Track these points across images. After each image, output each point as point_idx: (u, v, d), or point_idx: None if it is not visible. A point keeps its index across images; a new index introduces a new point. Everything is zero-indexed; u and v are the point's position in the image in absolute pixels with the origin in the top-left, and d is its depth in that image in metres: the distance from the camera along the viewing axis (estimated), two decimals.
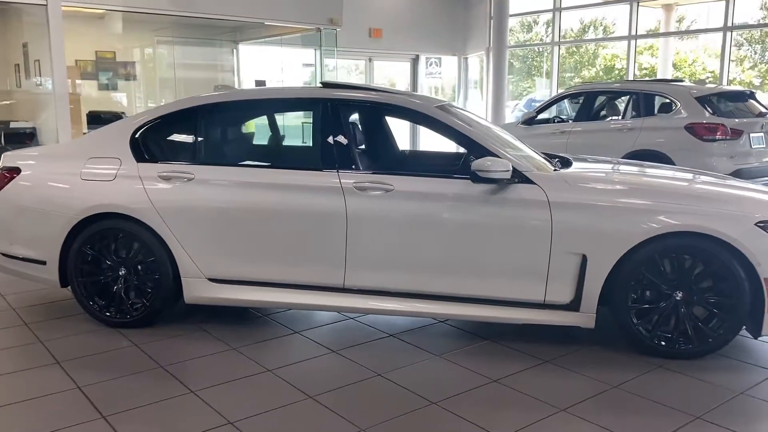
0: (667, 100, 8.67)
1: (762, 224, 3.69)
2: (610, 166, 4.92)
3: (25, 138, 8.64)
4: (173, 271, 4.29)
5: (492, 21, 14.17)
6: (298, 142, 4.78)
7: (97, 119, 9.23)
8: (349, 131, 4.26)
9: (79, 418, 3.18)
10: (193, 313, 4.63)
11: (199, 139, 4.41)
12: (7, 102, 9.75)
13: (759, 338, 3.91)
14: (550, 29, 16.92)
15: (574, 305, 3.90)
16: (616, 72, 16.31)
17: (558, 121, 10.15)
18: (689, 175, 4.70)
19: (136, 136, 4.45)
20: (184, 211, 4.22)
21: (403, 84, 16.29)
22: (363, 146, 4.64)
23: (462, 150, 4.46)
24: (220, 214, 4.19)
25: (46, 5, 7.74)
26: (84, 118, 9.68)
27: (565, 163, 4.58)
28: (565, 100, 11.22)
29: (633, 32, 13.49)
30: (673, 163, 8.11)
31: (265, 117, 4.65)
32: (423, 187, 4.03)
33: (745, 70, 15.84)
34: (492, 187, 3.89)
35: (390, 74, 16.65)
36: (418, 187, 4.04)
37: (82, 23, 11.06)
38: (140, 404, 3.32)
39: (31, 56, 9.01)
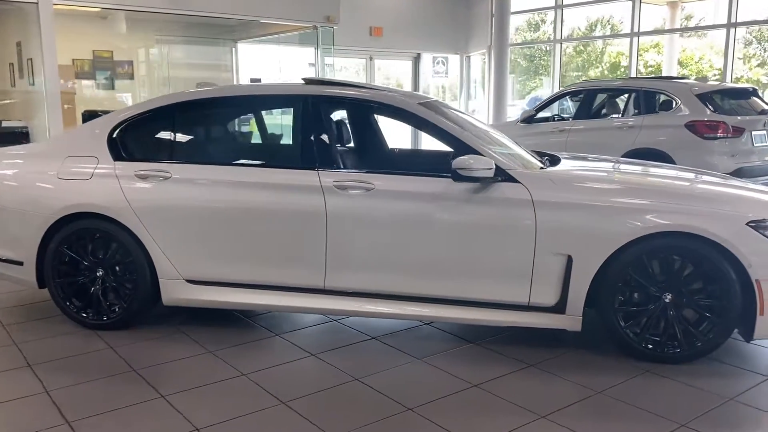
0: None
1: (753, 224, 3.56)
2: (601, 164, 4.79)
3: (20, 138, 8.57)
4: (151, 272, 4.19)
5: (493, 19, 14.02)
6: (278, 140, 4.66)
7: (93, 118, 9.12)
8: (330, 129, 4.15)
9: (42, 424, 3.09)
10: (173, 315, 4.53)
11: (177, 137, 4.32)
12: (1, 101, 9.70)
13: (751, 342, 3.77)
14: (555, 27, 16.78)
15: (559, 307, 3.78)
16: (622, 70, 16.14)
17: (558, 120, 10.00)
18: (681, 174, 4.58)
19: (114, 133, 4.36)
20: (160, 210, 4.13)
21: (405, 83, 16.17)
22: (345, 144, 4.53)
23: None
24: (197, 213, 4.09)
25: (37, 3, 7.67)
26: (79, 117, 9.62)
27: (555, 161, 4.46)
28: (568, 99, 11.07)
29: (635, 29, 13.32)
30: (673, 162, 7.97)
31: (244, 114, 4.55)
32: (404, 186, 3.92)
33: (752, 68, 15.66)
34: (474, 186, 3.78)
35: (392, 73, 16.54)
36: (400, 186, 3.93)
37: (79, 22, 11.01)
38: (107, 409, 3.22)
39: (25, 55, 8.96)
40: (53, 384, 3.52)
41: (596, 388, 3.43)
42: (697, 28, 15.14)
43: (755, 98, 8.64)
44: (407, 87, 16.08)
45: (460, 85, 16.44)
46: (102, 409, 3.22)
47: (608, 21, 16.57)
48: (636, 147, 8.42)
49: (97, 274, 4.27)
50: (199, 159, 4.24)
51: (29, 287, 4.51)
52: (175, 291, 4.20)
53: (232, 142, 4.52)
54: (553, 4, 14.57)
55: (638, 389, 3.43)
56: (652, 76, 12.08)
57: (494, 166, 3.72)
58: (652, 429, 3.03)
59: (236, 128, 4.56)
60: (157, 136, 4.37)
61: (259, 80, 10.07)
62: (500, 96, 13.84)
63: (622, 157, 8.35)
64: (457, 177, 3.71)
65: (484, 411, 3.22)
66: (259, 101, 4.42)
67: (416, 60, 15.71)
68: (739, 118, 8.16)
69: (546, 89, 16.69)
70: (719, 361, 3.74)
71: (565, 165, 4.31)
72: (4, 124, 8.49)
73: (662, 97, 8.61)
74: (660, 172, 4.55)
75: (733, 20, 11.87)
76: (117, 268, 4.27)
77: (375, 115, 4.88)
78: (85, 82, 11.15)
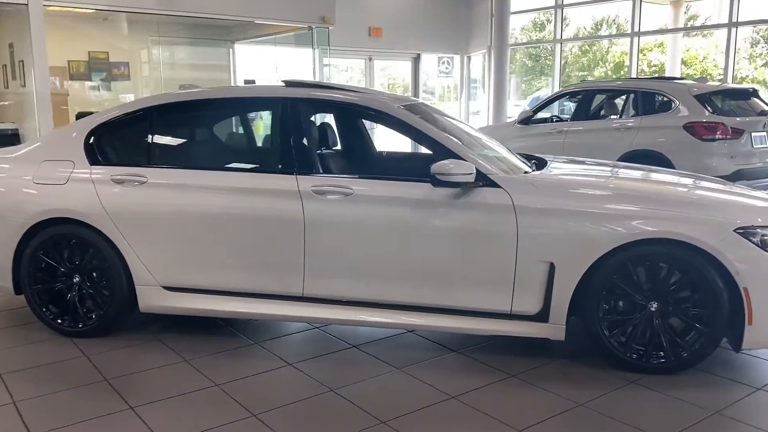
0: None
1: (741, 230, 3.44)
2: (591, 168, 4.68)
3: (12, 140, 8.51)
4: (127, 278, 4.11)
5: (493, 19, 13.90)
6: (256, 144, 4.56)
7: None
8: (310, 132, 4.06)
9: None
10: (152, 322, 4.45)
11: (154, 140, 4.23)
12: None
13: (740, 352, 3.66)
14: (561, 27, 16.66)
15: (542, 316, 3.67)
16: (626, 70, 16.01)
17: (556, 120, 9.88)
18: (673, 179, 4.47)
19: (91, 137, 4.28)
20: (136, 215, 4.04)
21: (405, 83, 16.06)
22: (325, 148, 4.43)
23: None
24: (173, 219, 4.01)
25: (26, 4, 7.61)
26: (73, 119, 9.56)
27: (541, 164, 4.35)
28: (568, 99, 10.94)
29: (636, 29, 13.18)
30: (671, 164, 7.85)
31: (222, 117, 4.46)
32: (383, 191, 3.82)
33: (758, 68, 15.49)
34: (455, 191, 3.68)
35: (396, 74, 16.43)
36: (379, 191, 3.83)
37: (74, 23, 10.96)
38: (72, 421, 3.14)
39: (17, 57, 8.90)
40: (22, 394, 3.44)
41: (578, 400, 3.32)
42: (696, 28, 14.99)
43: (755, 99, 8.50)
44: (409, 87, 15.98)
45: (461, 85, 16.32)
46: (67, 421, 3.14)
47: (614, 21, 16.44)
48: (633, 149, 8.30)
49: (74, 280, 4.19)
50: (176, 163, 4.15)
51: (5, 293, 4.43)
52: (151, 298, 4.12)
53: (209, 145, 4.42)
54: (553, 4, 14.43)
55: (621, 401, 3.32)
56: (651, 76, 11.93)
57: (475, 171, 3.62)
58: None
59: (214, 132, 4.45)
60: (134, 139, 4.28)
61: (253, 81, 9.97)
62: (500, 96, 13.73)
63: (620, 158, 8.27)
64: (436, 182, 3.61)
65: (459, 424, 3.12)
66: (237, 104, 4.33)
67: (416, 60, 15.60)
68: (738, 119, 8.03)
69: (550, 89, 16.58)
70: (707, 372, 3.63)
71: (550, 169, 4.21)
72: None
73: (660, 98, 8.48)
74: (651, 177, 4.43)
75: (734, 20, 11.70)
76: (94, 274, 4.19)
77: (358, 118, 4.78)
78: (80, 83, 11.08)
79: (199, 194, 3.99)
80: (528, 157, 4.62)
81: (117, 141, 4.31)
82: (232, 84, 12.41)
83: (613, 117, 9.04)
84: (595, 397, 3.36)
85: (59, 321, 4.22)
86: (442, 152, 3.78)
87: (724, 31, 12.03)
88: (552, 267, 3.59)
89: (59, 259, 4.19)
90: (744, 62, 15.16)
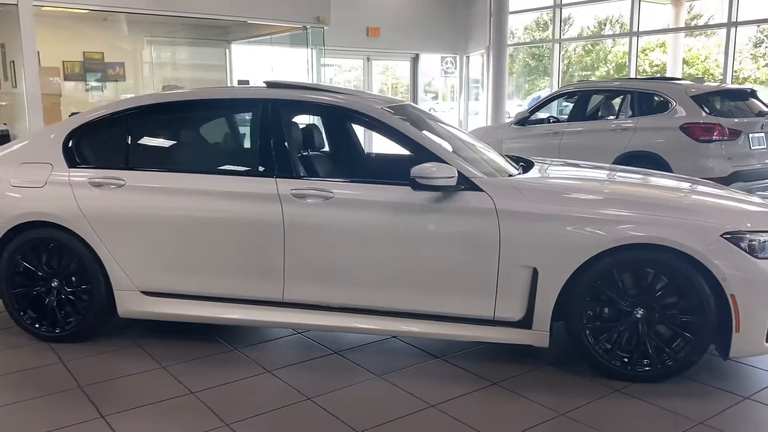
0: (663, 99, 8.28)
1: (729, 235, 3.36)
2: (580, 171, 4.59)
3: (3, 141, 8.45)
4: (106, 283, 4.04)
5: (491, 19, 13.81)
6: (236, 146, 4.48)
7: None
8: (290, 134, 3.98)
9: None
10: (132, 327, 4.38)
11: (132, 142, 4.16)
12: None
13: (729, 360, 3.57)
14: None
15: (525, 322, 3.59)
16: (627, 70, 15.92)
17: (553, 121, 9.79)
18: (663, 182, 4.38)
19: (70, 139, 4.21)
20: (114, 219, 3.98)
21: (407, 84, 15.97)
22: (306, 150, 4.34)
23: None
24: (151, 222, 3.94)
25: (16, 4, 7.55)
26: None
27: (528, 167, 4.27)
28: (565, 100, 10.85)
29: (635, 29, 13.08)
30: (668, 165, 7.76)
31: (202, 119, 4.37)
32: (364, 194, 3.75)
33: (760, 68, 15.39)
34: (436, 195, 3.60)
35: (394, 74, 16.35)
36: (359, 194, 3.76)
37: (69, 23, 10.90)
38: (40, 431, 3.06)
39: (8, 57, 8.85)
40: None
41: (559, 410, 3.24)
42: (695, 28, 14.87)
43: (754, 99, 8.40)
44: (407, 87, 15.90)
45: (460, 86, 16.23)
46: (33, 431, 3.06)
47: (617, 20, 16.35)
48: (629, 150, 8.21)
49: (52, 284, 4.12)
50: (155, 166, 4.09)
51: None
52: (130, 303, 4.05)
53: (188, 148, 4.35)
54: (551, 4, 14.33)
55: (604, 411, 3.24)
56: (648, 77, 11.82)
57: (456, 174, 3.54)
58: None
59: (193, 134, 4.37)
60: (113, 142, 4.21)
61: (246, 82, 9.91)
62: (498, 97, 13.65)
63: (616, 159, 8.18)
64: (416, 186, 3.53)
65: None
66: (217, 106, 4.25)
67: (414, 60, 15.52)
68: (736, 120, 7.93)
69: (550, 90, 16.48)
70: (694, 380, 3.54)
71: (536, 172, 4.13)
72: None
73: (657, 99, 8.38)
74: (639, 180, 4.34)
75: (733, 19, 11.59)
76: (73, 278, 4.13)
77: (340, 120, 4.70)
78: (74, 83, 11.02)
79: (177, 197, 3.92)
80: (517, 160, 4.55)
81: (96, 143, 4.24)
82: (228, 84, 12.35)
83: (609, 118, 8.94)
84: (578, 406, 3.28)
85: (37, 326, 4.16)
86: (424, 155, 3.71)
87: (724, 30, 11.89)
88: (535, 272, 3.51)
89: (37, 263, 4.13)
90: (747, 62, 15.06)
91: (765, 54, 15.21)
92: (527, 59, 18.38)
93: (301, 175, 3.90)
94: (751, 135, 7.86)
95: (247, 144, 4.18)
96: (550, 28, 15.70)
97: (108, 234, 3.98)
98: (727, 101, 8.44)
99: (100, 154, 4.22)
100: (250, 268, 3.87)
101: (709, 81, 11.96)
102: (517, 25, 16.91)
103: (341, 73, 15.49)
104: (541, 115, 9.99)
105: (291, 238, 3.76)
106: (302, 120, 4.58)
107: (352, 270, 3.75)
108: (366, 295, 3.76)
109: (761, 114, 8.15)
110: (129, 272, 4.00)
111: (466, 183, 3.60)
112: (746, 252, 3.34)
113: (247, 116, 4.07)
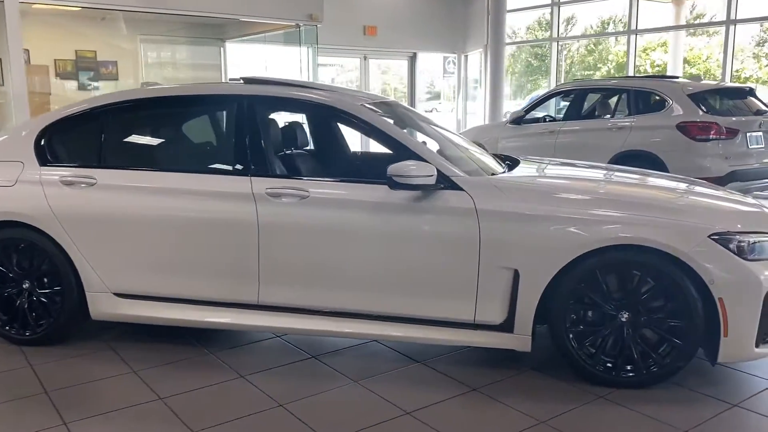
0: (659, 98, 8.15)
1: (717, 236, 3.23)
2: (563, 169, 4.46)
3: None
4: (78, 284, 3.93)
5: (489, 17, 13.67)
6: (211, 144, 4.37)
7: None
8: (266, 131, 3.86)
9: None
10: (109, 329, 4.26)
11: (105, 140, 4.04)
12: None
13: (717, 365, 3.44)
14: (569, 26, 16.43)
15: (507, 326, 3.47)
16: (626, 68, 15.78)
17: (549, 120, 9.65)
18: (649, 181, 4.25)
19: (42, 137, 4.09)
20: (85, 219, 3.87)
21: (401, 83, 15.84)
22: (285, 148, 4.22)
23: None
24: (123, 222, 3.82)
25: (2, 2, 7.45)
26: None
27: (514, 166, 4.15)
28: (562, 99, 10.71)
29: (633, 27, 12.94)
30: (664, 164, 7.63)
31: (176, 116, 4.25)
32: (340, 193, 3.64)
33: (762, 67, 15.24)
34: (415, 194, 3.47)
35: (394, 74, 16.21)
36: (336, 193, 3.64)
37: (62, 21, 10.80)
38: None
39: None
40: None
41: (540, 417, 3.12)
42: (693, 26, 14.72)
43: (752, 98, 8.26)
44: (399, 86, 15.76)
45: (458, 85, 16.09)
46: None
47: (620, 20, 16.23)
48: (625, 149, 8.08)
49: (23, 286, 4.01)
50: (128, 164, 3.97)
51: None
52: (102, 305, 3.94)
53: (162, 145, 4.23)
54: (549, 2, 14.19)
55: (586, 418, 3.12)
56: (644, 75, 11.67)
57: (436, 173, 3.42)
58: None
59: (167, 131, 4.25)
60: (85, 139, 4.10)
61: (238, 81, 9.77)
62: (496, 96, 13.52)
63: (612, 158, 8.05)
64: (394, 185, 3.41)
65: None
66: (192, 102, 4.13)
67: (412, 59, 15.38)
68: (733, 119, 7.79)
69: (549, 89, 16.34)
70: (681, 386, 3.41)
71: (520, 170, 4.01)
72: None
73: (653, 97, 8.24)
74: (626, 179, 4.20)
75: (732, 17, 11.44)
76: (45, 280, 4.02)
77: (318, 117, 4.57)
78: (66, 82, 10.91)
79: (149, 197, 3.80)
80: (504, 159, 4.43)
81: (68, 141, 4.12)
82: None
83: (605, 117, 8.80)
84: (559, 413, 3.15)
85: (7, 328, 4.05)
86: (404, 153, 3.59)
87: (730, 29, 11.72)
88: (516, 274, 3.39)
89: (8, 264, 4.02)
90: (748, 61, 14.91)
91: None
92: (530, 59, 18.26)
93: (278, 173, 3.78)
94: (748, 134, 7.73)
95: (222, 141, 4.07)
96: (562, 27, 15.58)
97: (79, 234, 3.87)
98: (725, 100, 8.31)
99: (73, 151, 4.11)
100: (224, 269, 3.75)
101: (709, 80, 11.81)
102: (519, 25, 16.81)
103: (344, 73, 15.36)
104: (538, 114, 9.86)
105: (265, 238, 3.64)
106: (285, 117, 4.45)
107: (329, 272, 3.63)
108: (343, 298, 3.64)
109: (759, 113, 8.02)
110: (101, 273, 3.89)
111: (446, 182, 3.48)
112: (735, 254, 3.21)
113: (223, 113, 3.94)
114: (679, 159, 7.58)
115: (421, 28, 14.86)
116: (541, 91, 16.10)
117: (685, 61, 15.43)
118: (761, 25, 13.52)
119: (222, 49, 12.63)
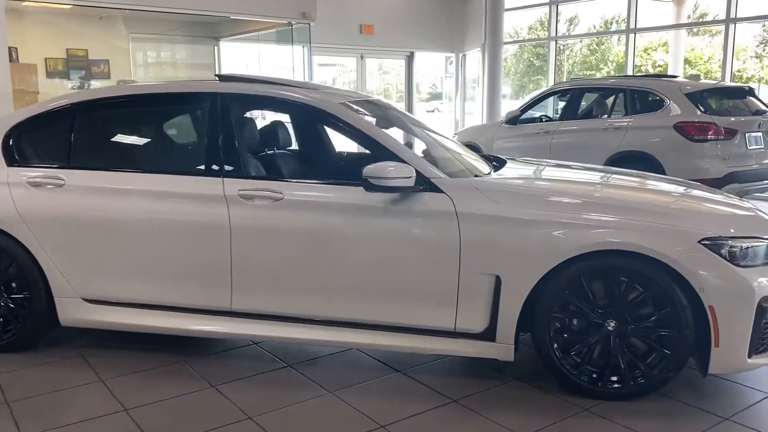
0: (657, 98, 7.98)
1: (708, 241, 3.07)
2: (550, 171, 4.30)
3: None
4: (47, 289, 3.79)
5: (486, 16, 13.52)
6: (184, 143, 4.22)
7: None
8: (240, 131, 3.71)
9: None
10: (84, 335, 4.11)
11: (74, 140, 3.88)
12: None
13: (709, 375, 3.28)
14: (571, 26, 16.27)
15: (489, 334, 3.32)
16: (625, 67, 15.61)
17: (545, 120, 9.49)
18: (639, 183, 4.09)
19: (10, 137, 3.95)
20: (52, 221, 3.73)
21: (399, 82, 15.69)
22: (260, 149, 4.07)
23: None
24: (91, 225, 3.68)
25: None
26: None
27: (500, 167, 4.00)
28: (558, 98, 10.54)
29: (632, 26, 12.78)
30: (661, 165, 7.47)
31: (147, 115, 4.10)
32: (315, 195, 3.49)
33: (765, 67, 15.06)
34: (392, 197, 3.32)
35: (394, 73, 16.07)
36: (310, 195, 3.49)
37: (53, 19, 10.68)
38: None
39: None
40: None
41: (519, 431, 2.97)
42: (693, 24, 14.52)
43: (751, 98, 8.09)
44: (401, 86, 15.61)
45: (456, 85, 15.94)
46: None
47: (624, 19, 16.06)
48: (622, 149, 7.91)
49: None
50: (97, 165, 3.82)
51: None
52: (71, 311, 3.80)
53: (132, 146, 4.07)
54: (547, 1, 14.02)
55: None
56: (642, 74, 11.49)
57: (414, 174, 3.27)
58: None
59: (139, 131, 4.10)
60: (54, 139, 3.95)
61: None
62: (494, 95, 13.37)
63: (608, 159, 7.90)
64: (369, 186, 3.26)
65: None
66: (164, 100, 3.98)
67: (409, 59, 15.23)
68: (732, 119, 7.62)
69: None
70: (670, 398, 3.26)
71: (504, 172, 3.85)
72: None
73: (650, 97, 8.07)
74: (615, 181, 4.03)
75: (732, 16, 11.27)
76: (13, 284, 3.87)
77: (294, 115, 4.41)
78: (57, 81, 10.77)
79: (119, 199, 3.66)
80: (491, 159, 4.28)
81: (36, 141, 3.98)
82: None
83: (602, 117, 8.64)
84: (540, 427, 3.00)
85: None
86: (382, 153, 3.44)
87: (731, 29, 11.55)
88: (498, 281, 3.24)
89: None
90: (751, 61, 14.74)
91: None
92: (532, 59, 18.11)
93: (252, 175, 3.63)
94: (747, 134, 7.55)
95: (195, 141, 3.92)
96: (565, 26, 15.44)
97: (47, 237, 3.73)
98: (724, 99, 8.14)
99: (41, 151, 3.97)
100: (197, 274, 3.61)
101: (708, 80, 11.63)
102: (522, 25, 16.66)
103: (346, 72, 15.22)
104: (535, 113, 9.70)
105: (238, 243, 3.50)
106: (270, 117, 4.30)
107: (303, 278, 3.49)
108: (318, 304, 3.50)
109: (759, 113, 7.84)
110: (69, 278, 3.75)
111: (425, 184, 3.33)
112: (726, 260, 3.06)
113: (197, 111, 3.79)
114: (676, 160, 7.42)
115: (418, 26, 14.71)
116: (539, 91, 15.97)
117: (687, 61, 15.25)
118: (764, 25, 13.34)
119: (216, 47, 12.50)
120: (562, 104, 9.91)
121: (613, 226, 3.13)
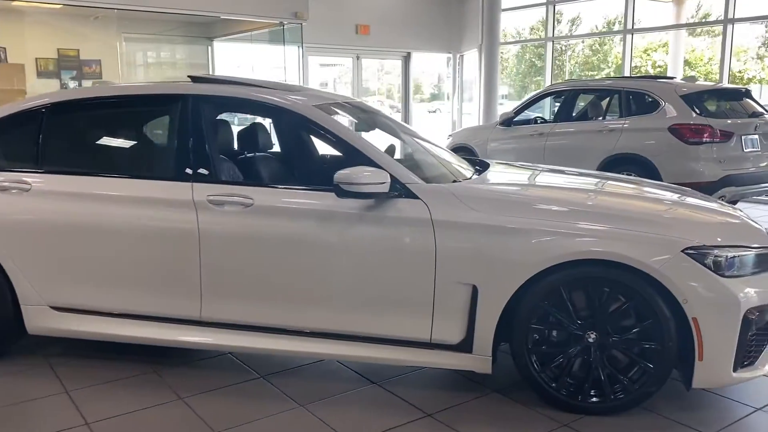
0: (652, 99, 7.84)
1: (692, 250, 2.95)
2: (533, 176, 4.17)
3: None
4: (13, 297, 3.67)
5: (483, 16, 13.39)
6: (153, 147, 4.10)
7: None
8: (211, 134, 3.60)
9: None
10: (55, 343, 3.98)
11: (43, 143, 3.77)
12: None
13: (693, 389, 3.16)
14: (573, 26, 16.14)
15: (465, 346, 3.20)
16: (622, 68, 15.49)
17: (540, 122, 9.37)
18: (625, 189, 3.96)
19: None
20: (18, 227, 3.62)
21: (396, 82, 15.56)
22: (233, 153, 3.95)
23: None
24: (58, 230, 3.57)
25: None
26: None
27: (482, 171, 3.88)
28: (553, 99, 10.41)
29: (629, 26, 12.65)
30: (655, 168, 7.34)
31: (115, 117, 3.97)
32: (287, 201, 3.36)
33: (765, 68, 14.93)
34: (366, 203, 3.21)
35: (394, 74, 15.93)
36: (282, 201, 3.37)
37: (44, 19, 10.57)
38: None
39: None
40: None
41: None
42: (691, 25, 14.39)
43: (748, 100, 7.95)
44: (398, 87, 15.49)
45: (453, 86, 15.81)
46: None
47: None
48: (616, 152, 7.78)
49: None
50: (64, 169, 3.70)
51: None
52: (38, 319, 3.68)
53: (101, 148, 3.95)
54: (544, 1, 13.90)
55: None
56: (638, 75, 11.36)
57: (388, 180, 3.15)
58: None
59: (108, 133, 3.97)
60: (19, 142, 3.83)
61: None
62: (490, 96, 13.22)
63: (602, 162, 7.77)
64: (341, 192, 3.14)
65: None
66: (134, 102, 3.86)
67: (406, 59, 15.11)
68: (728, 121, 7.49)
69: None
70: (653, 412, 3.14)
71: (486, 177, 3.73)
72: None
73: (646, 99, 7.94)
74: (599, 187, 3.89)
75: (730, 16, 11.13)
76: None
77: (268, 118, 4.30)
78: (47, 81, 10.65)
79: (86, 204, 3.55)
80: (475, 163, 4.16)
81: (4, 143, 3.86)
82: None
83: (596, 118, 8.50)
84: None
85: None
86: (355, 157, 3.32)
87: (735, 30, 11.41)
88: (475, 290, 3.12)
89: None
90: (752, 62, 14.60)
91: None
92: (533, 59, 17.99)
93: (222, 179, 3.51)
94: (744, 137, 7.42)
95: (164, 144, 3.80)
96: (559, 28, 15.29)
97: (12, 243, 3.62)
98: (720, 101, 7.99)
99: (9, 155, 3.85)
100: (165, 282, 3.50)
101: (705, 82, 11.49)
102: (524, 25, 16.54)
103: (347, 73, 15.08)
104: (530, 115, 9.58)
105: (207, 249, 3.38)
106: (242, 119, 4.18)
107: (275, 287, 3.37)
108: (290, 314, 3.38)
109: (755, 115, 7.71)
110: (35, 285, 3.64)
111: (400, 189, 3.21)
112: (711, 270, 2.94)
113: (167, 113, 3.67)
114: (671, 163, 7.29)
115: (415, 27, 14.59)
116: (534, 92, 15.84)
117: (686, 62, 15.12)
118: (765, 26, 13.21)
119: (210, 48, 12.38)
120: (557, 105, 9.79)
121: (595, 234, 3.01)
